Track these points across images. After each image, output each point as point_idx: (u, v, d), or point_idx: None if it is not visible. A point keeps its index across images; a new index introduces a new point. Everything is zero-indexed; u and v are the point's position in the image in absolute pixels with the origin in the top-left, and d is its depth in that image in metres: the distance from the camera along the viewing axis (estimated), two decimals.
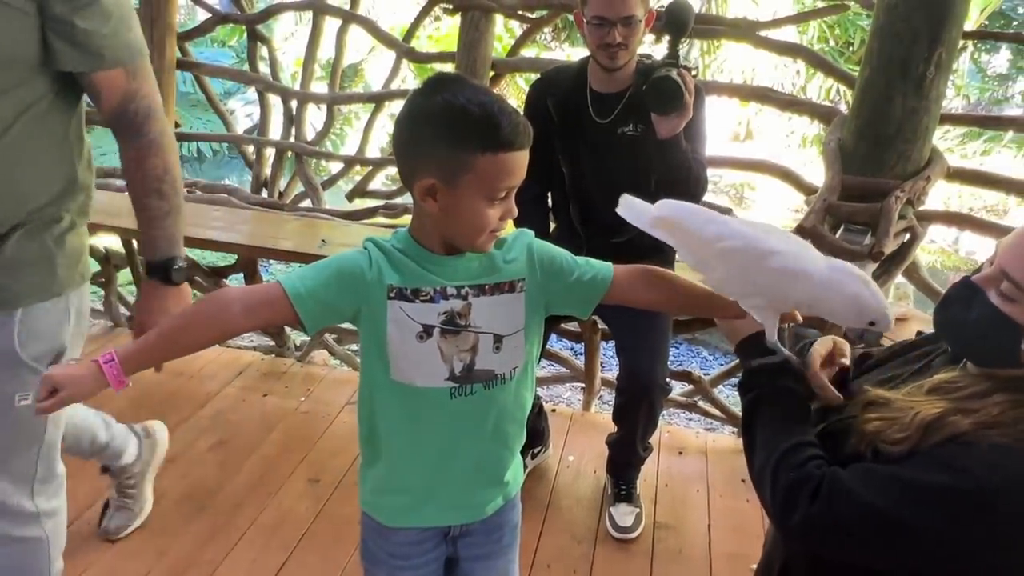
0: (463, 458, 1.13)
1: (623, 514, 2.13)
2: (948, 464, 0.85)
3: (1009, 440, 0.85)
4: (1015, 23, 9.08)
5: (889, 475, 0.89)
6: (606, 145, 1.93)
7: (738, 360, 1.15)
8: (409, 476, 1.14)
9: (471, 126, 0.95)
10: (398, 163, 1.04)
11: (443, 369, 1.06)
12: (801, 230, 1.97)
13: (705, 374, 2.82)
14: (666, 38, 1.80)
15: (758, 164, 2.72)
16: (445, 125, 0.96)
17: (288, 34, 7.39)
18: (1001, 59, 9.89)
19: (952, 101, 7.76)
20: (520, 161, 0.99)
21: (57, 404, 0.97)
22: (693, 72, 1.76)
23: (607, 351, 3.05)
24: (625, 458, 2.17)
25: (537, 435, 2.37)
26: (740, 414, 2.85)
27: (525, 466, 2.04)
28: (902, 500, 0.86)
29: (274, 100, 3.20)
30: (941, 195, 5.75)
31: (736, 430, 2.72)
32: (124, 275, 3.23)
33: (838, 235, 2.02)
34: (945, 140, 6.99)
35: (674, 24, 1.74)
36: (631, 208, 1.13)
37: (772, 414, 1.03)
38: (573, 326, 2.63)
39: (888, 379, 1.12)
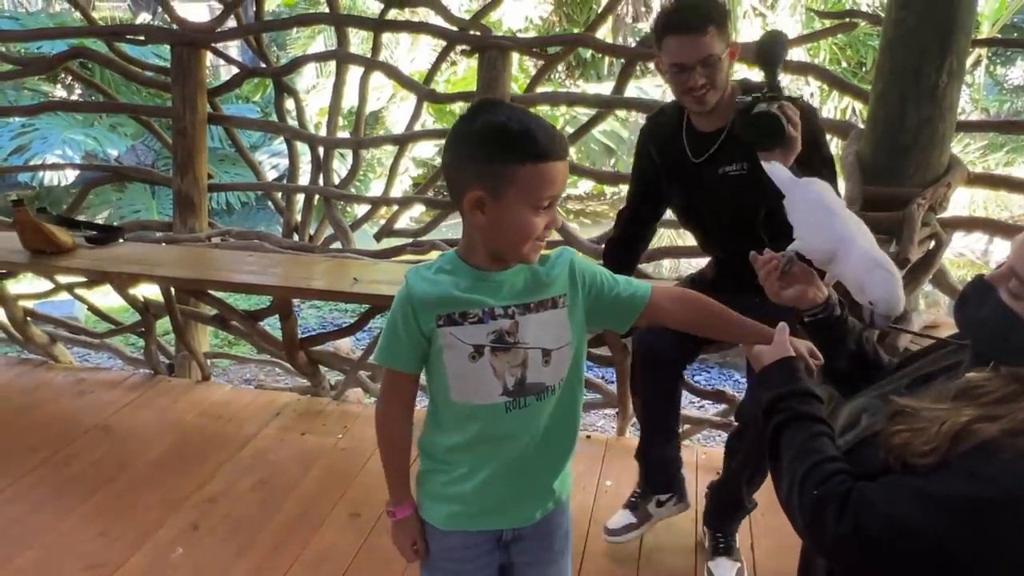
0: (515, 466, 1.19)
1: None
2: (974, 473, 0.85)
3: None
4: None
5: (915, 488, 0.88)
6: (706, 185, 1.85)
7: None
8: (464, 483, 1.19)
9: (512, 140, 1.03)
10: (448, 182, 1.12)
11: (497, 385, 1.13)
12: None
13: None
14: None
15: None
16: (489, 141, 1.04)
17: (311, 86, 7.61)
18: (1018, 71, 9.84)
19: (971, 115, 7.72)
20: (559, 171, 1.07)
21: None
22: (798, 99, 1.67)
23: None
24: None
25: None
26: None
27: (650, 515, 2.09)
28: (929, 513, 0.86)
29: (302, 148, 3.31)
30: (965, 204, 5.70)
31: None
32: (163, 324, 3.32)
33: None
34: (967, 153, 6.95)
35: (765, 57, 1.63)
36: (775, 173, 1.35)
37: (795, 437, 1.04)
38: (603, 350, 2.65)
39: (922, 378, 1.13)
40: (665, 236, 6.44)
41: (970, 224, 2.41)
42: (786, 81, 7.11)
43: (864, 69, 7.45)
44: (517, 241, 1.09)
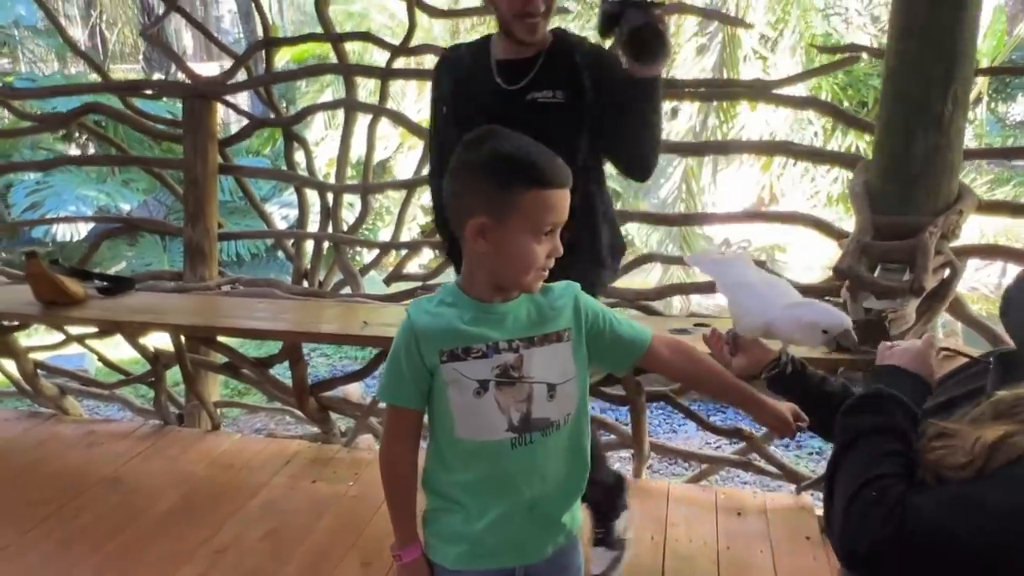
0: (524, 503, 1.16)
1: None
2: (1015, 486, 0.83)
3: None
4: None
5: (964, 496, 0.86)
6: (517, 114, 1.58)
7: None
8: (472, 523, 1.16)
9: (516, 167, 1.04)
10: (451, 210, 1.11)
11: (502, 421, 1.11)
12: (838, 272, 1.97)
13: (756, 430, 2.76)
14: None
15: (789, 216, 2.75)
16: (493, 168, 1.05)
17: (320, 138, 7.74)
18: (1019, 107, 9.92)
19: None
20: (562, 199, 1.07)
21: None
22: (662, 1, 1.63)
23: (651, 411, 2.98)
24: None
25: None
26: (796, 469, 2.76)
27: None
28: (977, 523, 0.84)
29: (312, 198, 3.33)
30: (975, 238, 5.65)
31: (794, 486, 2.63)
32: (174, 375, 3.31)
33: (876, 274, 2.01)
34: (974, 187, 6.94)
35: None
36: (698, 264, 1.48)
37: (873, 449, 1.00)
38: (617, 390, 2.61)
39: (946, 402, 1.11)
40: (675, 274, 6.43)
41: (983, 252, 2.38)
42: (791, 124, 7.21)
43: (866, 109, 7.53)
44: (519, 269, 1.08)
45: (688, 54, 7.33)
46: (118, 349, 3.56)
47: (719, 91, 2.80)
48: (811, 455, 4.04)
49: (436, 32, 7.97)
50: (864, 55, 2.57)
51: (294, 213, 3.39)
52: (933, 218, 2.01)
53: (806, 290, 2.46)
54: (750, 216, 2.74)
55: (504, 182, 1.04)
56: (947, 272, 2.08)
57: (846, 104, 7.52)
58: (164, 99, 4.47)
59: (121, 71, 10.62)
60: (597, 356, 1.21)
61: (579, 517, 1.27)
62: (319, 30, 3.13)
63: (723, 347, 1.36)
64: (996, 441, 0.87)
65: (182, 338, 2.99)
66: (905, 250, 1.98)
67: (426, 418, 1.19)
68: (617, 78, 1.64)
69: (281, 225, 6.86)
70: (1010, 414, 0.91)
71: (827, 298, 2.38)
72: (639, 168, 1.81)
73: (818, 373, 1.29)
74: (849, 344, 1.24)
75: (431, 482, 1.20)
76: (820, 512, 2.32)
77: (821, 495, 2.56)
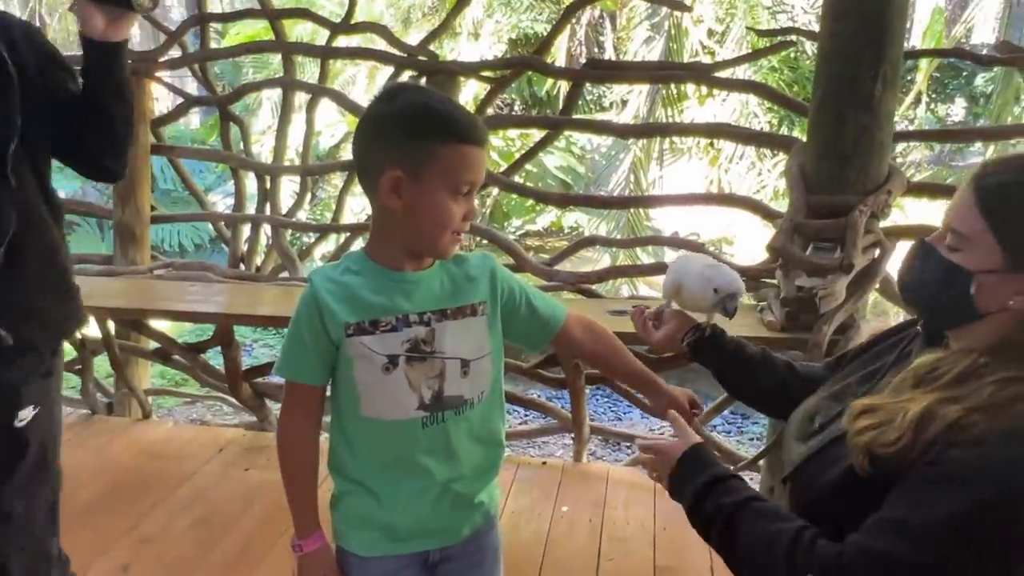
0: (437, 484, 1.10)
1: None
2: (962, 479, 0.81)
3: (1014, 423, 0.81)
4: (964, 73, 9.46)
5: (902, 520, 0.82)
6: None
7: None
8: (383, 506, 1.10)
9: (434, 119, 1.00)
10: (361, 166, 1.05)
11: (413, 399, 1.05)
12: (771, 250, 1.98)
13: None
14: None
15: (729, 198, 2.77)
16: (410, 119, 1.00)
17: (266, 127, 7.58)
18: (958, 108, 10.26)
19: (912, 152, 7.99)
20: (479, 156, 1.02)
21: None
22: None
23: (595, 397, 2.98)
24: None
25: None
26: (734, 451, 2.78)
27: None
28: (926, 541, 0.81)
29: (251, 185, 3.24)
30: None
31: (732, 465, 2.65)
32: (105, 364, 3.18)
33: (808, 252, 2.03)
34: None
35: None
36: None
37: (751, 527, 0.93)
38: (557, 371, 2.59)
39: (870, 373, 1.10)
40: (620, 255, 6.46)
41: (914, 232, 2.42)
42: (736, 115, 7.32)
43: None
44: (435, 230, 1.02)
45: (635, 46, 7.39)
46: None
47: (659, 73, 2.79)
48: (752, 440, 4.09)
49: (377, 10, 7.87)
50: (805, 42, 2.61)
51: None
52: (863, 198, 2.04)
53: (744, 271, 2.49)
54: (692, 199, 2.75)
55: (422, 134, 0.98)
56: (877, 251, 2.11)
57: None
58: None
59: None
60: (511, 332, 1.16)
61: (496, 495, 1.21)
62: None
63: (647, 323, 1.34)
64: (922, 414, 0.86)
65: (110, 323, 2.87)
66: (836, 229, 2.00)
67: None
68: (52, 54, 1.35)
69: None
70: (929, 380, 0.91)
71: (763, 280, 2.40)
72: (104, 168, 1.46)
73: (737, 339, 1.28)
74: (729, 310, 1.22)
75: (337, 464, 1.12)
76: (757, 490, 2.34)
77: (759, 476, 2.58)
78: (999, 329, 0.89)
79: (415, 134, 0.99)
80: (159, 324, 3.08)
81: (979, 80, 9.36)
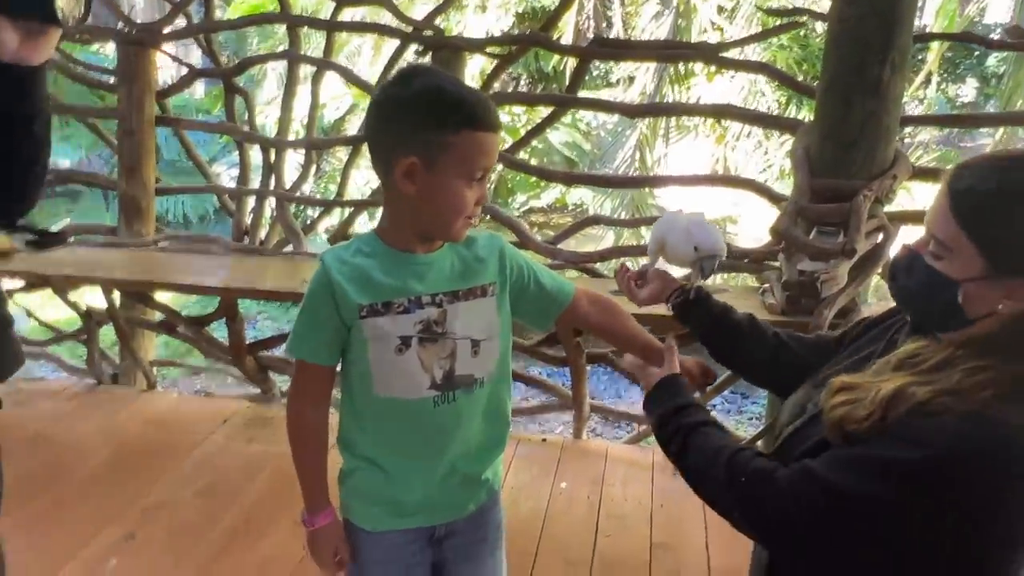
0: (445, 461, 1.12)
1: None
2: (915, 440, 0.84)
3: (977, 407, 0.83)
4: (976, 53, 9.35)
5: (854, 456, 0.87)
6: None
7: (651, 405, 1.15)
8: (392, 482, 1.12)
9: (450, 106, 0.99)
10: (374, 151, 1.05)
11: (425, 379, 1.07)
12: (774, 233, 1.98)
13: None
14: None
15: (733, 179, 2.76)
16: (425, 106, 0.99)
17: (271, 98, 7.53)
18: (969, 88, 10.15)
19: (924, 131, 7.92)
20: (493, 142, 1.02)
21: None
22: None
23: (596, 376, 3.00)
24: None
25: None
26: (735, 432, 2.81)
27: None
28: (870, 478, 0.84)
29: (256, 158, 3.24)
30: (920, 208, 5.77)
31: None
32: (112, 335, 3.20)
33: (811, 236, 2.03)
34: (920, 164, 7.10)
35: None
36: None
37: (701, 445, 1.02)
38: (558, 350, 2.61)
39: (863, 358, 1.12)
40: (624, 232, 6.46)
41: (918, 218, 2.42)
42: (744, 95, 7.25)
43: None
44: (449, 216, 1.03)
45: (644, 22, 7.30)
46: (47, 310, 3.44)
47: (666, 52, 2.77)
48: (751, 419, 4.12)
49: None
50: (814, 21, 2.58)
51: None
52: (868, 182, 2.03)
53: (746, 255, 2.49)
54: (696, 179, 2.74)
55: (438, 123, 0.97)
56: (880, 236, 2.11)
57: (801, 79, 7.61)
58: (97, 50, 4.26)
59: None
60: (520, 310, 1.17)
61: (500, 471, 1.24)
62: None
63: (630, 282, 1.33)
64: (894, 391, 0.87)
65: (115, 294, 2.89)
66: (840, 213, 2.00)
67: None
68: None
69: (230, 185, 6.71)
70: (909, 365, 0.92)
71: (765, 262, 2.41)
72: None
73: (722, 303, 1.27)
74: (706, 270, 1.23)
75: (347, 441, 1.14)
76: None
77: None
78: (990, 331, 0.89)
79: (430, 123, 0.98)
80: (163, 296, 3.11)
81: (991, 60, 9.24)
